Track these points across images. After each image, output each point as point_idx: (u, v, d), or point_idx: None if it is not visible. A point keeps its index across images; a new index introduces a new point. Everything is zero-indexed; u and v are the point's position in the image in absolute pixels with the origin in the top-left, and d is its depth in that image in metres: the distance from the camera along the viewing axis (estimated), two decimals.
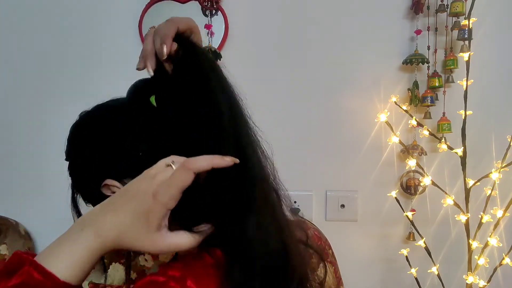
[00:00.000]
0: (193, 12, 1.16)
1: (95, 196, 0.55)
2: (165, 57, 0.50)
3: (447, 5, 1.08)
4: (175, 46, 0.51)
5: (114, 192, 0.53)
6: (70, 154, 0.57)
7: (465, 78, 1.02)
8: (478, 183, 1.02)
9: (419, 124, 1.09)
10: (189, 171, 0.42)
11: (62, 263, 0.42)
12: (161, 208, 0.42)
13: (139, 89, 0.55)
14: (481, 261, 1.00)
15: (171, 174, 0.43)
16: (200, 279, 0.45)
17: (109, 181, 0.53)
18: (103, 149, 0.54)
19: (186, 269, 0.46)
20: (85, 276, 0.44)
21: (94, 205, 0.57)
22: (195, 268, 0.46)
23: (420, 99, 1.12)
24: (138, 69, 0.52)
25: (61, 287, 0.41)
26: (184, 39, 0.52)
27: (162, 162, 0.45)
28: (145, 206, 0.42)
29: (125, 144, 0.53)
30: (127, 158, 0.52)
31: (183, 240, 0.44)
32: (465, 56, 1.02)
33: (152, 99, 0.52)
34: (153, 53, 0.51)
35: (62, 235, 0.45)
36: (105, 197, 0.52)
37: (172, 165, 0.44)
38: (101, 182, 0.53)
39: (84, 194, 0.58)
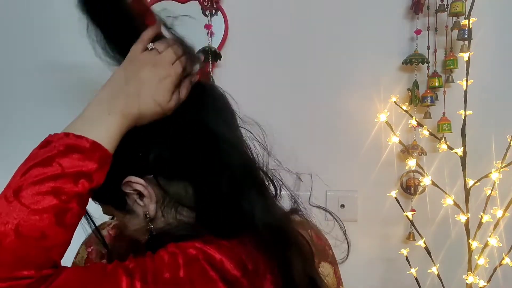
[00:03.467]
0: (193, 12, 1.16)
1: (108, 194, 0.54)
2: None
3: (447, 5, 1.08)
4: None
5: (136, 190, 0.53)
6: None
7: (465, 78, 1.02)
8: (478, 183, 1.02)
9: (419, 124, 1.09)
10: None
11: (96, 134, 0.47)
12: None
13: None
14: (481, 261, 1.00)
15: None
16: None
17: (133, 179, 0.52)
18: (130, 145, 0.53)
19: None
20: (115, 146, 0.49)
21: (101, 203, 0.58)
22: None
23: (420, 99, 1.12)
24: None
25: (95, 146, 0.46)
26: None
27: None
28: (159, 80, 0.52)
29: (152, 143, 0.53)
30: (153, 157, 0.53)
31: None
32: (465, 56, 1.02)
33: None
34: None
35: (83, 118, 0.49)
36: (121, 194, 0.53)
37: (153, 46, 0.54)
38: (122, 179, 0.53)
39: (98, 192, 0.57)
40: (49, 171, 0.44)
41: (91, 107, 0.50)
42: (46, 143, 0.46)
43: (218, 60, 1.15)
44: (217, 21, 1.16)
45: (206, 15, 1.15)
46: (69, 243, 0.46)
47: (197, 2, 1.16)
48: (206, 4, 1.14)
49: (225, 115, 0.59)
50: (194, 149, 0.53)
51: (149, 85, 0.51)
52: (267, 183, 0.60)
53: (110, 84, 0.52)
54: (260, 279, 0.50)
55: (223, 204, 0.53)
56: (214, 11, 1.15)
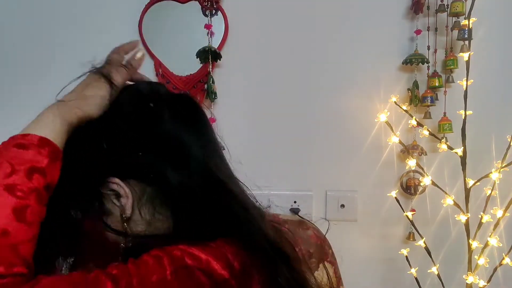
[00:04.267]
0: (193, 12, 1.16)
1: (86, 197, 0.54)
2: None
3: (447, 5, 1.08)
4: None
5: (112, 190, 0.53)
6: (69, 151, 0.55)
7: (465, 78, 1.02)
8: (478, 183, 1.02)
9: (419, 124, 1.09)
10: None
11: (41, 131, 0.48)
12: None
13: (143, 94, 0.58)
14: (481, 261, 1.00)
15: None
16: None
17: (110, 179, 0.53)
18: (106, 149, 0.53)
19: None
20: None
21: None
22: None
23: (420, 99, 1.12)
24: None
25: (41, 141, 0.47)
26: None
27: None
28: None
29: (126, 146, 0.53)
30: (134, 158, 0.53)
31: None
32: (465, 56, 1.02)
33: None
34: None
35: (27, 125, 0.50)
36: (99, 196, 0.54)
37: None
38: (100, 181, 0.53)
39: (76, 200, 0.55)
40: (0, 170, 0.44)
41: (40, 114, 0.52)
42: None
43: (218, 60, 1.15)
44: (217, 21, 1.16)
45: (206, 15, 1.15)
46: (35, 239, 0.45)
47: (197, 2, 1.16)
48: (206, 4, 1.14)
49: (197, 126, 0.59)
50: (163, 155, 0.54)
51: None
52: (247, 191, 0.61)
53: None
54: (248, 279, 0.50)
55: (196, 209, 0.53)
56: (214, 11, 1.15)
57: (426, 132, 1.06)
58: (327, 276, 0.83)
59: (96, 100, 0.55)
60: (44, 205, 0.46)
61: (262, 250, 0.52)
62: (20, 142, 0.46)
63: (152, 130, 0.55)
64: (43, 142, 0.47)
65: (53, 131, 0.49)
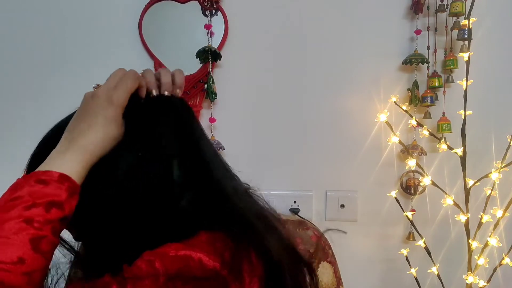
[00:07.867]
0: (193, 12, 1.17)
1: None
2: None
3: (447, 5, 1.08)
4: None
5: None
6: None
7: (465, 78, 1.02)
8: (478, 183, 1.02)
9: (419, 124, 1.09)
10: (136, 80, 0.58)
11: (61, 168, 0.50)
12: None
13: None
14: (481, 261, 1.00)
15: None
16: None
17: None
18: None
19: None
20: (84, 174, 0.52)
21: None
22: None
23: (420, 99, 1.12)
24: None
25: (62, 178, 0.49)
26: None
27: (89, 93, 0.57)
28: (109, 112, 0.54)
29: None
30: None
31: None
32: (465, 56, 1.02)
33: None
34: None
35: (47, 160, 0.52)
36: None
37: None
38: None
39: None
40: (21, 203, 0.46)
41: (53, 152, 0.53)
42: (15, 185, 0.49)
43: (218, 60, 1.15)
44: (217, 21, 1.16)
45: (206, 15, 1.15)
46: (47, 269, 0.47)
47: (197, 2, 1.16)
48: (206, 4, 1.14)
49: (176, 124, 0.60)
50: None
51: (95, 116, 0.54)
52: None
53: (67, 129, 0.55)
54: (239, 268, 0.51)
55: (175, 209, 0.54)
56: (214, 11, 1.15)
57: (426, 132, 1.06)
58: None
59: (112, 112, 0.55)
60: (58, 236, 0.48)
61: (250, 226, 0.54)
62: (41, 178, 0.48)
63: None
64: (63, 178, 0.49)
65: (71, 167, 0.51)
